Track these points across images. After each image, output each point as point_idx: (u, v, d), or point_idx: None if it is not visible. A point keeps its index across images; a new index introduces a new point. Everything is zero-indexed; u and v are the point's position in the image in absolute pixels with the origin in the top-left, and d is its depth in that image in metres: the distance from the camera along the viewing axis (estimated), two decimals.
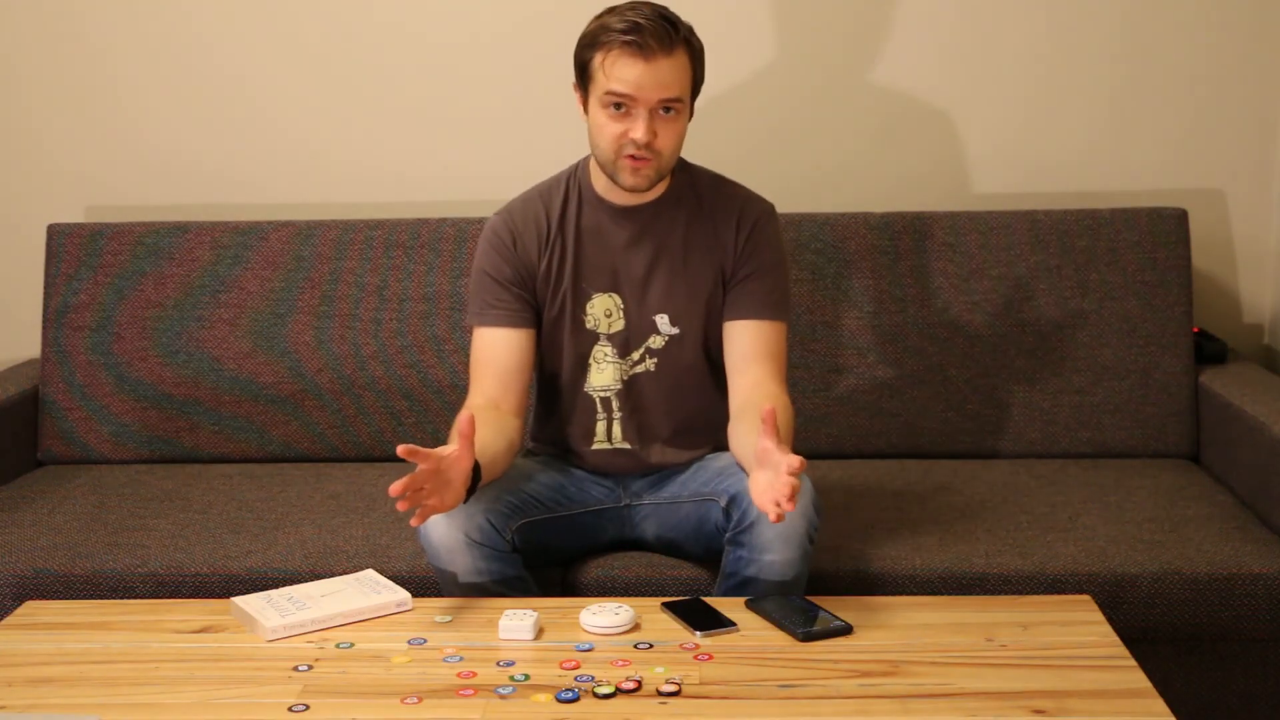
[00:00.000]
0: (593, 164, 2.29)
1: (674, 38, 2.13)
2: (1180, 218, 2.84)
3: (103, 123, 3.10)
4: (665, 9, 2.17)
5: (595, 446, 2.36)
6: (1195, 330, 2.87)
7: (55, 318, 2.92)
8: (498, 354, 2.28)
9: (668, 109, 2.15)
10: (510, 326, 2.29)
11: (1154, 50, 2.97)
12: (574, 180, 2.33)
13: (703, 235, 2.30)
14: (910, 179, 3.03)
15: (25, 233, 3.10)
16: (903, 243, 2.84)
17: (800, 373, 2.78)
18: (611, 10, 2.18)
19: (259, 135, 3.09)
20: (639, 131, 2.14)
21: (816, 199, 2.98)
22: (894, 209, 2.91)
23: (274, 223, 2.93)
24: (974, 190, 3.04)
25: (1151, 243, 2.82)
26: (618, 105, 2.14)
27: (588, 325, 2.31)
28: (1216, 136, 3.00)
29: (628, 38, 2.11)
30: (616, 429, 2.34)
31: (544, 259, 2.30)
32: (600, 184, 2.29)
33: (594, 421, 2.34)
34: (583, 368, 2.33)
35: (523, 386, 2.30)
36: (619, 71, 2.12)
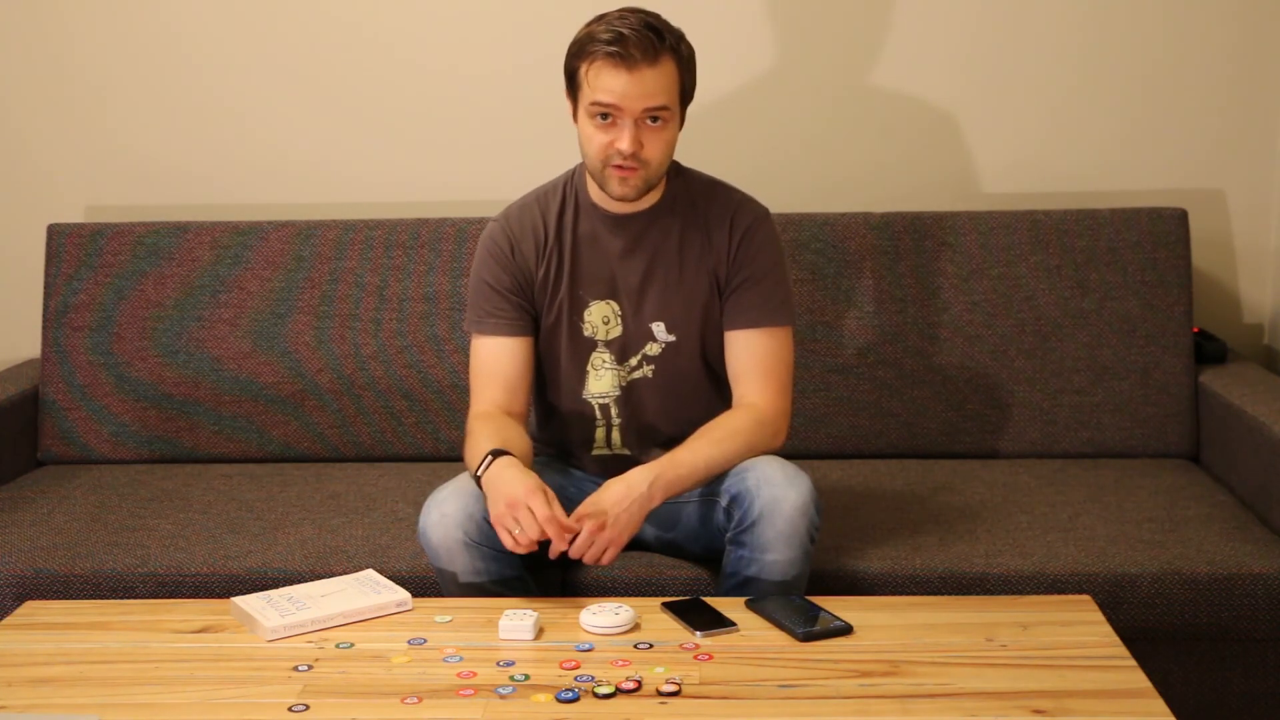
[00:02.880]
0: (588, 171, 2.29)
1: (658, 47, 2.12)
2: (1180, 218, 2.84)
3: (103, 123, 3.10)
4: (653, 17, 2.16)
5: (595, 453, 2.36)
6: (1195, 330, 2.87)
7: (55, 318, 2.92)
8: (501, 363, 2.29)
9: (654, 118, 2.14)
10: (511, 335, 2.29)
11: (1154, 51, 2.97)
12: (570, 187, 2.33)
13: (697, 242, 2.29)
14: (911, 180, 3.03)
15: (25, 233, 3.10)
16: (903, 243, 2.84)
17: (800, 373, 2.78)
18: (600, 18, 2.17)
19: (259, 136, 3.09)
20: (624, 142, 2.14)
21: (818, 199, 2.98)
22: (894, 209, 2.91)
23: (274, 223, 2.93)
24: (974, 190, 3.03)
25: (1151, 243, 2.82)
26: (604, 115, 2.14)
27: (585, 332, 2.31)
28: (1216, 136, 3.00)
29: (611, 48, 2.10)
30: (616, 435, 2.34)
31: (541, 266, 2.30)
32: (595, 192, 2.29)
33: (593, 428, 2.34)
34: (581, 374, 2.33)
35: (527, 393, 2.31)
36: (603, 82, 2.12)
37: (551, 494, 2.06)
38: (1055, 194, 3.00)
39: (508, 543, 2.03)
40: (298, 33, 3.05)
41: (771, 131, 3.03)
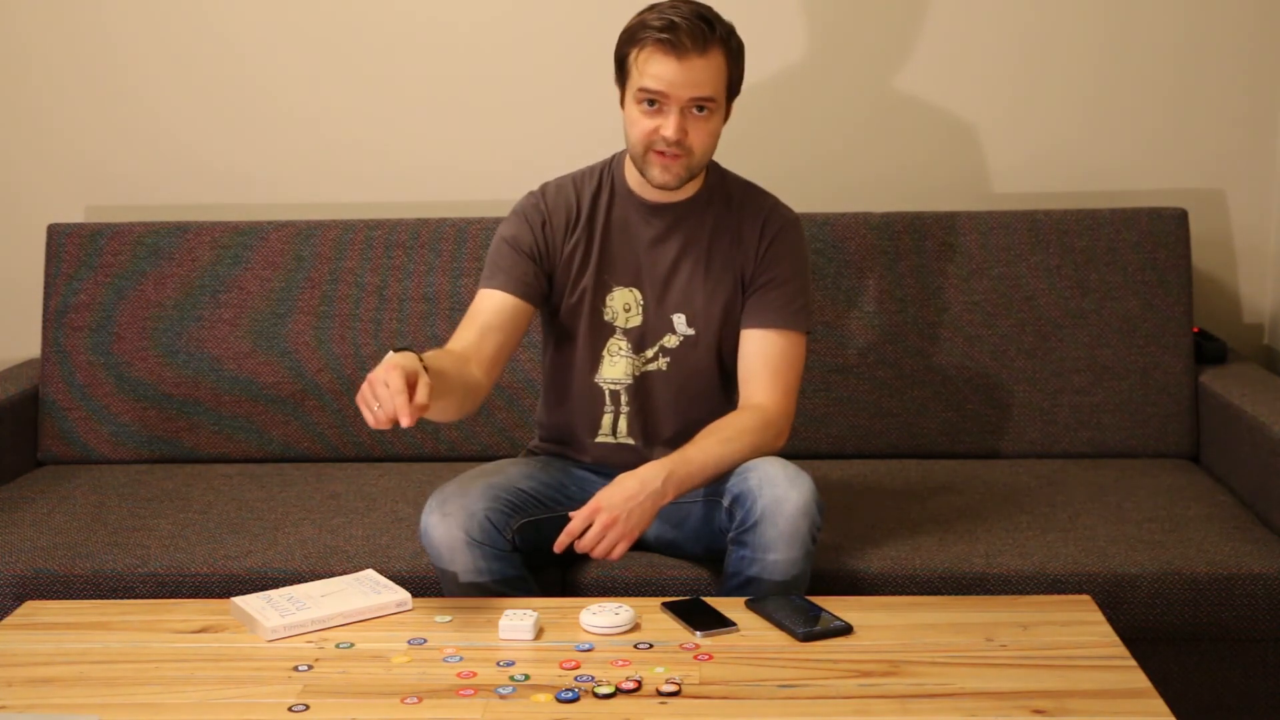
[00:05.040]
0: (628, 158, 2.31)
1: (709, 37, 2.15)
2: (1180, 218, 2.84)
3: (103, 122, 3.10)
4: (705, 8, 2.19)
5: (599, 439, 2.36)
6: (1195, 330, 2.87)
7: (55, 318, 2.92)
8: (485, 313, 2.26)
9: (700, 108, 2.18)
10: (505, 291, 2.27)
11: (1154, 51, 2.97)
12: (608, 172, 2.35)
13: (727, 239, 2.31)
14: (910, 180, 3.03)
15: (25, 233, 3.10)
16: (903, 243, 2.84)
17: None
18: (653, 7, 2.20)
19: (259, 135, 3.09)
20: (669, 129, 2.16)
21: (817, 199, 2.97)
22: (894, 209, 2.91)
23: (274, 223, 2.93)
24: (974, 190, 3.04)
25: (1151, 243, 2.82)
26: (650, 102, 2.17)
27: (605, 317, 2.32)
28: (1216, 136, 3.00)
29: (662, 35, 2.14)
30: (622, 424, 2.35)
31: (568, 244, 2.31)
32: (633, 179, 2.31)
33: (601, 413, 2.35)
34: (595, 359, 2.33)
35: (496, 348, 2.24)
36: (651, 68, 2.15)
37: (423, 377, 1.93)
38: (1055, 194, 3.01)
39: (369, 419, 1.93)
40: (297, 34, 3.05)
41: (771, 131, 3.03)
